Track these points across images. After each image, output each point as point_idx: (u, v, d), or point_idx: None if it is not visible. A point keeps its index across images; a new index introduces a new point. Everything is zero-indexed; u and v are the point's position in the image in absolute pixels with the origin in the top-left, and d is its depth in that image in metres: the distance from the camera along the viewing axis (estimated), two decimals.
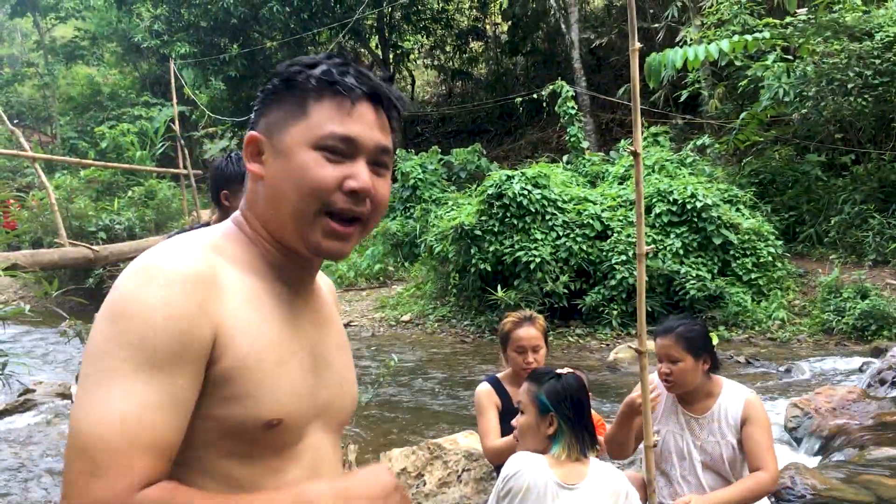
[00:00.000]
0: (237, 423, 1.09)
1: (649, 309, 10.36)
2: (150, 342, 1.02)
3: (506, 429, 3.60)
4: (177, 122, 14.45)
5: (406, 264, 14.82)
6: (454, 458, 4.29)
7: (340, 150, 1.14)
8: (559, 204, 11.25)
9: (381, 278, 14.81)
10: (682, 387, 3.08)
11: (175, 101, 15.33)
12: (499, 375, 3.77)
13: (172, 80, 15.24)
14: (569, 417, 2.44)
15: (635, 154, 2.73)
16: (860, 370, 7.59)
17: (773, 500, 3.96)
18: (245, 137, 1.19)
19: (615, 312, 10.28)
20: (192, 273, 1.07)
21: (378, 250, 15.37)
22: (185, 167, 14.07)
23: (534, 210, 11.04)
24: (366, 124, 1.17)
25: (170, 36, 20.38)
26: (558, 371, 2.55)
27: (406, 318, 12.12)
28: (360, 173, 1.15)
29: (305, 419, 1.19)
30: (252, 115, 1.24)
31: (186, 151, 14.46)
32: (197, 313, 1.05)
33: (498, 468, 3.78)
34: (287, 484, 1.14)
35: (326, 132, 1.14)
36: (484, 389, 3.70)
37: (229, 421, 1.08)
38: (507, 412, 3.66)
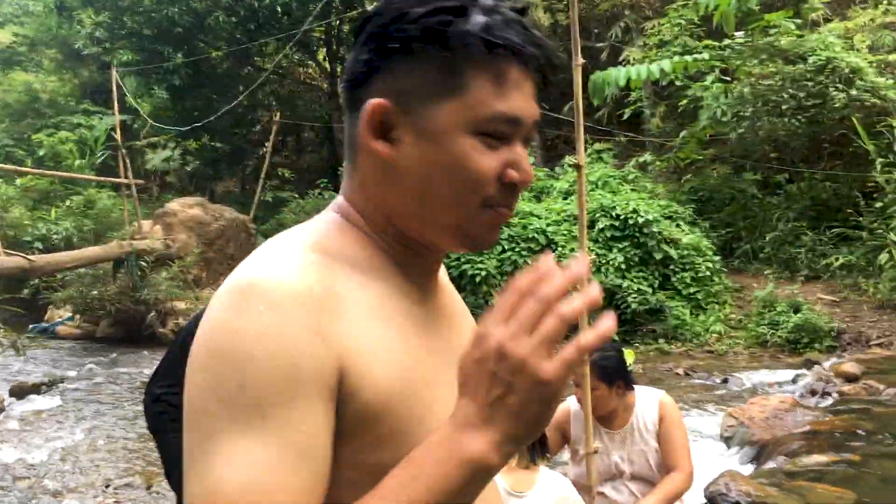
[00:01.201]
0: (390, 468, 0.83)
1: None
2: (253, 386, 0.78)
3: None
4: (118, 130, 14.21)
5: None
6: None
7: (501, 132, 0.91)
8: None
9: None
10: (598, 411, 3.14)
11: (116, 109, 15.07)
12: None
13: (114, 88, 14.99)
14: None
15: (578, 167, 2.82)
16: (793, 382, 7.84)
17: None
18: (368, 106, 0.90)
19: None
20: (300, 289, 0.83)
21: None
22: (126, 176, 13.83)
23: None
24: (525, 96, 0.93)
25: (112, 43, 20.00)
26: None
27: None
28: (521, 161, 0.93)
29: None
30: (353, 67, 0.95)
31: (128, 160, 14.23)
32: (312, 341, 0.81)
33: None
34: None
35: (490, 113, 0.90)
36: None
37: (380, 470, 0.83)
38: None
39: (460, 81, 0.89)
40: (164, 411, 3.36)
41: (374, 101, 0.90)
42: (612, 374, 3.14)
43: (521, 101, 0.92)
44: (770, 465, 5.00)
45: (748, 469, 5.11)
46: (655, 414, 3.22)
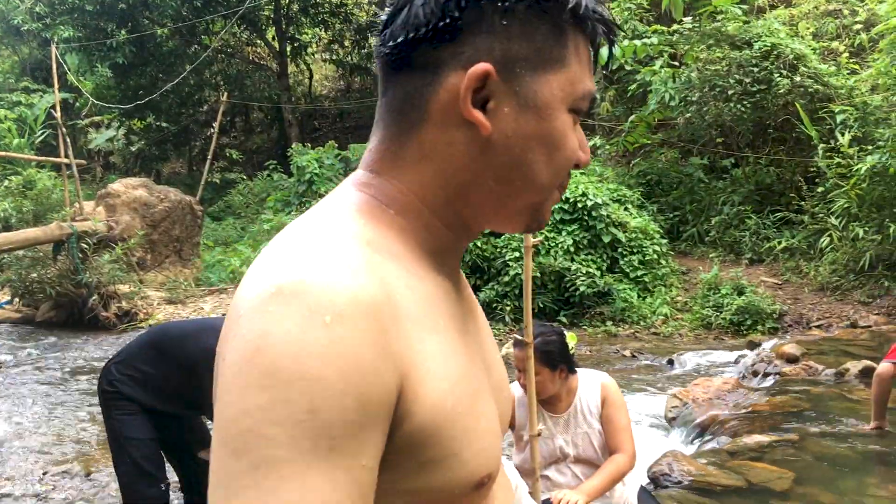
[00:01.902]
0: (439, 492, 0.78)
1: (541, 305, 10.60)
2: (325, 415, 0.67)
3: None
4: (58, 108, 13.77)
5: None
6: None
7: (582, 112, 0.86)
8: None
9: None
10: (541, 395, 3.12)
11: (56, 87, 14.62)
12: None
13: (54, 66, 14.54)
14: None
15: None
16: (735, 362, 7.98)
17: (651, 486, 4.13)
18: (474, 71, 0.79)
19: (508, 308, 10.45)
20: (365, 296, 0.71)
21: None
22: (66, 156, 13.44)
23: None
24: (591, 73, 0.88)
25: (52, 19, 19.39)
26: None
27: None
28: (585, 143, 0.88)
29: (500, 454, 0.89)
30: (427, 18, 0.81)
31: (69, 140, 13.82)
32: (379, 360, 0.71)
33: None
34: None
35: (583, 90, 0.84)
36: None
37: (429, 493, 0.77)
38: None
39: (565, 53, 0.82)
40: (115, 393, 3.30)
41: (481, 66, 0.79)
42: (554, 358, 3.14)
43: (592, 79, 0.87)
44: (712, 445, 5.07)
45: (691, 449, 5.19)
46: (598, 396, 3.24)
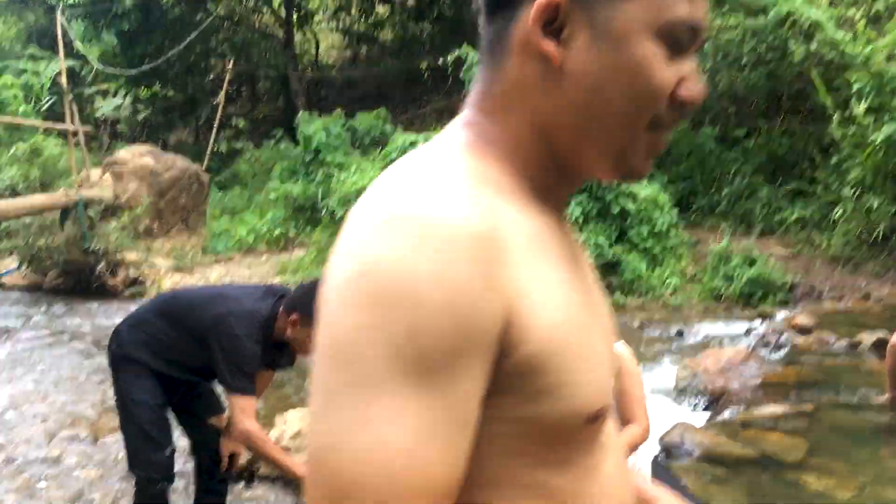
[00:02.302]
0: (551, 423, 0.78)
1: None
2: (425, 336, 0.68)
3: None
4: (64, 75, 13.68)
5: (307, 229, 14.57)
6: None
7: (681, 41, 0.81)
8: None
9: (281, 243, 14.52)
10: None
11: (62, 54, 14.51)
12: None
13: (59, 33, 14.41)
14: None
15: None
16: (746, 334, 7.91)
17: (662, 457, 4.08)
18: (539, 1, 0.79)
19: None
20: (475, 227, 0.72)
21: (279, 214, 15.05)
22: (73, 123, 13.35)
23: None
24: (703, 1, 0.83)
25: None
26: None
27: None
28: (695, 76, 0.83)
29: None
30: None
31: (76, 107, 13.73)
32: (485, 289, 0.71)
33: None
34: (601, 484, 0.86)
35: (675, 17, 0.79)
36: None
37: (540, 423, 0.78)
38: None
39: None
40: (124, 356, 3.27)
41: None
42: None
43: (703, 7, 0.82)
44: (724, 415, 5.02)
45: (702, 420, 5.14)
46: None
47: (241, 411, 3.07)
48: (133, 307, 11.04)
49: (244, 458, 3.87)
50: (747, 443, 4.28)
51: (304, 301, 3.09)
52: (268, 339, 3.18)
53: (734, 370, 5.77)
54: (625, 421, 3.14)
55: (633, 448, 3.11)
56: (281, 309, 3.20)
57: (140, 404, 3.26)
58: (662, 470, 3.26)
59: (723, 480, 3.84)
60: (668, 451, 4.23)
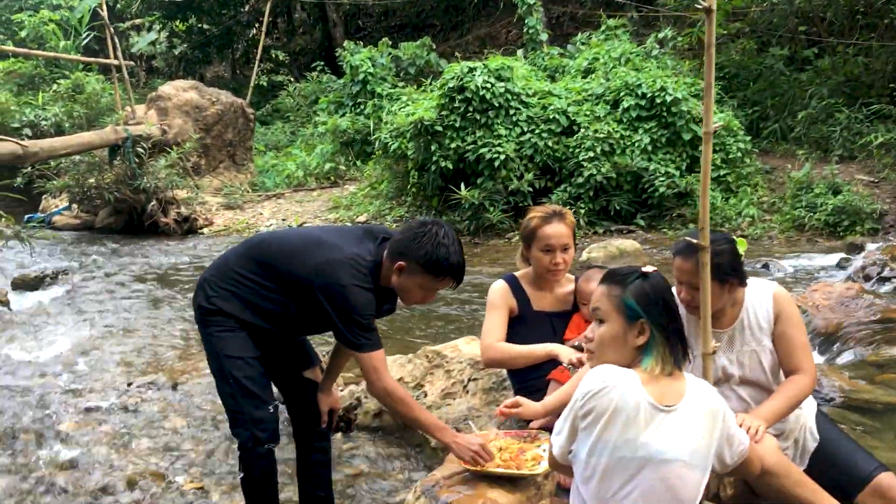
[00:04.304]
0: None
1: (616, 207, 10.10)
2: None
3: (515, 333, 3.24)
4: (104, 7, 13.25)
5: (358, 163, 14.20)
6: (457, 367, 3.93)
7: None
8: (523, 98, 10.75)
9: (331, 178, 14.18)
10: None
11: None
12: (517, 275, 3.37)
13: None
14: (662, 324, 2.05)
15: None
16: (838, 266, 7.47)
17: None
18: None
19: (583, 211, 9.95)
20: None
21: (328, 149, 14.69)
22: (115, 57, 12.99)
23: (497, 104, 10.52)
24: None
25: None
26: (643, 269, 2.14)
27: (361, 218, 11.62)
28: None
29: None
30: None
31: (116, 40, 13.34)
32: None
33: (512, 377, 3.43)
34: None
35: None
36: (499, 287, 3.32)
37: None
38: (523, 317, 3.28)
39: None
40: (214, 309, 2.94)
41: None
42: (724, 270, 2.65)
43: None
44: (848, 357, 4.64)
45: (819, 360, 4.75)
46: (770, 310, 2.76)
47: (374, 370, 2.74)
48: (189, 246, 10.87)
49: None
50: (890, 387, 3.91)
51: (410, 247, 2.74)
52: (375, 286, 2.84)
53: (847, 305, 5.35)
54: (788, 370, 2.77)
55: (801, 400, 2.74)
56: (385, 254, 2.85)
57: (235, 359, 2.93)
58: (829, 423, 2.89)
59: (876, 430, 3.48)
60: None
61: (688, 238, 2.63)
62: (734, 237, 2.90)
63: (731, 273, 2.68)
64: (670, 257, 8.07)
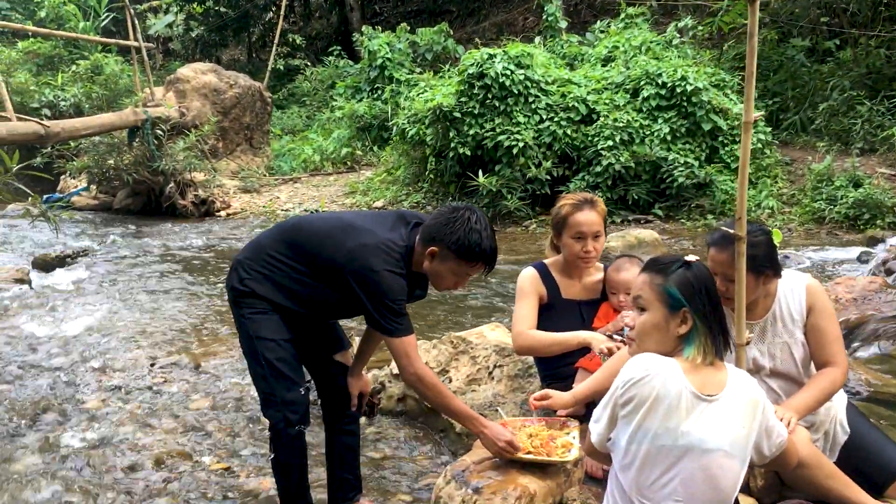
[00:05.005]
0: None
1: (634, 196, 10.06)
2: None
3: (543, 321, 3.24)
4: None
5: (375, 149, 14.19)
6: (483, 354, 3.93)
7: None
8: (542, 86, 10.71)
9: (348, 163, 14.19)
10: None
11: None
12: (547, 262, 3.37)
13: None
14: (705, 314, 2.05)
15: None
16: (859, 260, 7.43)
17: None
18: None
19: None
20: None
21: (344, 134, 14.68)
22: (135, 39, 13.00)
23: (516, 91, 10.49)
24: None
25: None
26: (686, 258, 2.14)
27: (378, 204, 11.63)
28: None
29: None
30: None
31: (134, 24, 13.34)
32: None
33: (539, 364, 3.44)
34: None
35: None
36: (528, 274, 3.32)
37: None
38: (552, 305, 3.29)
39: None
40: (247, 291, 2.95)
41: None
42: (760, 262, 2.64)
43: None
44: (872, 350, 4.62)
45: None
46: (802, 302, 2.76)
47: (405, 355, 2.75)
48: (207, 228, 10.90)
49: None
50: None
51: (443, 233, 2.74)
52: (407, 271, 2.84)
53: (870, 300, 5.33)
54: (820, 363, 2.76)
55: (833, 393, 2.74)
56: (417, 239, 2.85)
57: (268, 341, 2.94)
58: (860, 416, 2.89)
59: None
60: None
61: (723, 228, 2.62)
62: (769, 228, 2.88)
63: (767, 265, 2.67)
64: (689, 248, 8.10)
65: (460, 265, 2.78)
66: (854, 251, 7.73)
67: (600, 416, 2.10)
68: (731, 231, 2.46)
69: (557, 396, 2.78)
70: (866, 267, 7.01)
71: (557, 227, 3.24)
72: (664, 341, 2.07)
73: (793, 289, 2.79)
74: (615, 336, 3.01)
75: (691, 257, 2.15)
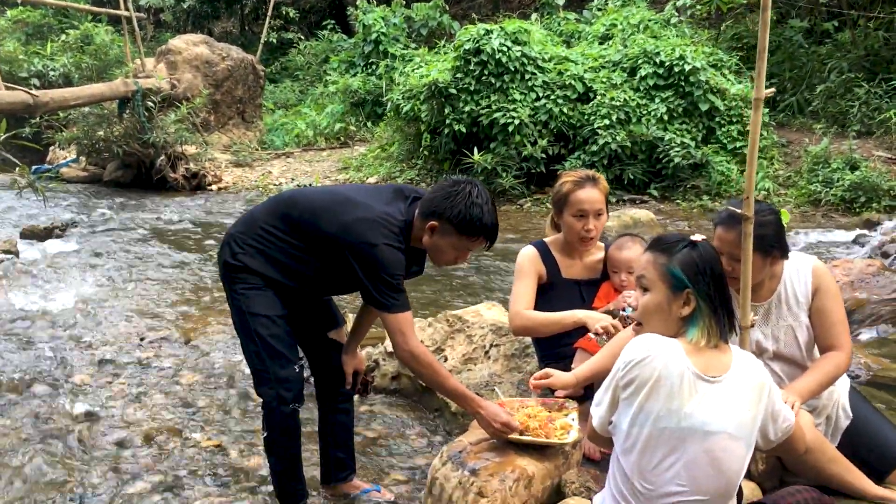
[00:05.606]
0: None
1: (630, 176, 10.00)
2: None
3: (543, 300, 3.18)
4: None
5: (369, 124, 14.06)
6: (479, 333, 3.88)
7: None
8: (539, 63, 10.59)
9: (341, 138, 14.05)
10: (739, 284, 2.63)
11: None
12: (547, 241, 3.31)
13: None
14: (709, 295, 1.99)
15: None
16: (855, 242, 7.40)
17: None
18: None
19: None
20: None
21: (338, 108, 14.54)
22: (126, 8, 12.79)
23: (513, 69, 10.37)
24: None
25: None
26: (691, 238, 2.08)
27: (372, 180, 11.52)
28: None
29: None
30: None
31: None
32: None
33: (537, 344, 3.38)
34: None
35: None
36: (528, 253, 3.26)
37: None
38: (552, 284, 3.23)
39: None
40: (240, 266, 2.88)
41: None
42: (769, 242, 2.59)
43: None
44: (869, 333, 4.59)
45: None
46: (808, 284, 2.70)
47: (401, 332, 2.68)
48: (198, 202, 10.79)
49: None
50: None
51: (443, 206, 2.68)
52: (406, 246, 2.78)
53: (867, 282, 5.30)
54: (824, 346, 2.72)
55: (837, 377, 2.69)
56: (416, 213, 2.78)
57: (261, 317, 2.86)
58: (862, 400, 2.85)
59: None
60: None
61: (731, 208, 2.55)
62: (778, 208, 2.82)
63: (775, 245, 2.62)
64: (683, 228, 8.06)
65: (461, 239, 2.72)
66: (850, 234, 7.70)
67: (601, 399, 2.05)
68: (739, 210, 2.40)
69: (559, 376, 2.72)
70: (862, 250, 6.98)
71: (558, 204, 3.18)
72: (667, 322, 2.01)
73: (798, 270, 2.74)
74: (619, 312, 2.94)
75: (697, 237, 2.09)
